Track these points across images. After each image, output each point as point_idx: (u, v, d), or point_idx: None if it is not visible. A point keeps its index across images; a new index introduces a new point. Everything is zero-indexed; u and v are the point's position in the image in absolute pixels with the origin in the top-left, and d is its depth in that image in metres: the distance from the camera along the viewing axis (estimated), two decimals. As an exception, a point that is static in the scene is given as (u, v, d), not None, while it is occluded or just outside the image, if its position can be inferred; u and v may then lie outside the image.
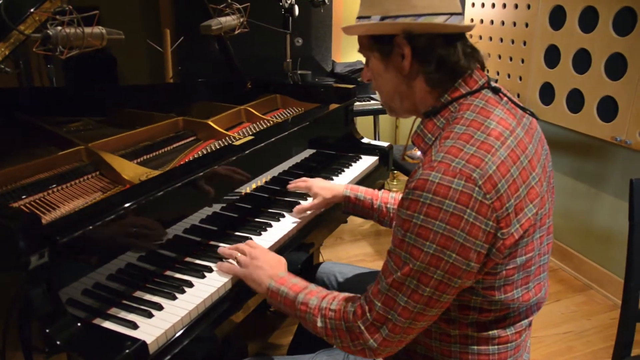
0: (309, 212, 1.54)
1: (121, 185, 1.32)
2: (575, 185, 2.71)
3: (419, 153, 1.20)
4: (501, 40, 2.98)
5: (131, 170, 1.35)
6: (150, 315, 1.06)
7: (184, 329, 1.06)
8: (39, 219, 0.92)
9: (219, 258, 1.29)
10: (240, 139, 1.55)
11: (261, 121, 1.88)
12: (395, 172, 3.66)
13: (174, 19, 2.36)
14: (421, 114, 1.08)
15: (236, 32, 1.85)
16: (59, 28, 1.23)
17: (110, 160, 1.39)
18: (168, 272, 1.24)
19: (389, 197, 1.49)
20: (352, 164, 2.00)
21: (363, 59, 1.20)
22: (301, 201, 1.60)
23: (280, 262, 1.24)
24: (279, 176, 1.69)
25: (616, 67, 2.32)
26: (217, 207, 1.40)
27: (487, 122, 0.96)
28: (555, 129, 2.76)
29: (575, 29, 2.49)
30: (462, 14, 1.04)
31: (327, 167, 1.97)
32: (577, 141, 2.65)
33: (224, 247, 1.31)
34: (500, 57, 3.01)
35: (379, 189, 1.55)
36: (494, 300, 1.01)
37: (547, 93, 2.73)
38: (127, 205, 1.11)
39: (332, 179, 1.84)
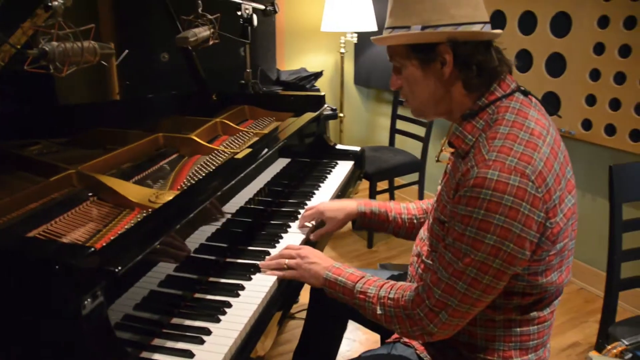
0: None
1: (129, 208, 1.24)
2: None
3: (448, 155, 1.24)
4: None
5: (136, 192, 1.27)
6: (201, 342, 1.00)
7: (238, 348, 1.01)
8: (91, 249, 0.84)
9: (243, 274, 1.25)
10: (231, 152, 1.50)
11: (238, 133, 1.84)
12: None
13: (116, 31, 2.23)
14: (453, 117, 1.14)
15: (210, 43, 1.79)
16: (55, 43, 1.13)
17: (111, 183, 1.29)
18: (197, 295, 1.17)
19: (401, 207, 1.53)
20: (332, 169, 2.01)
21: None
22: (300, 210, 1.60)
23: (326, 256, 1.30)
24: (266, 187, 1.65)
25: (556, 65, 2.53)
26: (226, 224, 1.35)
27: (527, 122, 1.03)
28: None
29: (515, 31, 2.67)
30: (490, 22, 1.10)
31: (309, 174, 1.96)
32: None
33: (264, 262, 1.31)
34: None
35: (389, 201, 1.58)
36: (536, 285, 1.08)
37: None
38: (172, 227, 1.04)
39: (319, 186, 1.84)
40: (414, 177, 3.24)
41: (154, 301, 1.07)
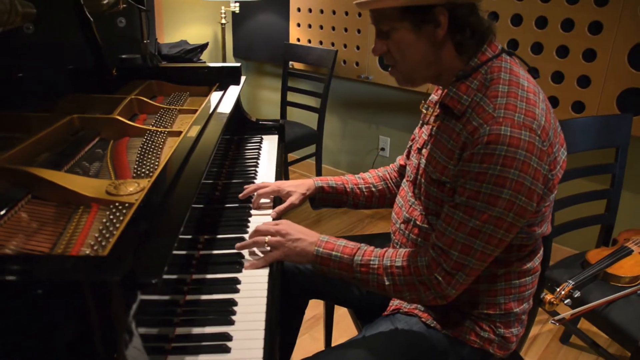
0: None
1: (83, 205, 1.01)
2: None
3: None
4: (334, 12, 3.09)
5: (85, 185, 1.04)
6: (227, 349, 0.85)
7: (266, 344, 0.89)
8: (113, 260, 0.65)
9: (227, 263, 1.10)
10: (168, 132, 1.31)
11: (160, 111, 1.63)
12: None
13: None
14: (442, 80, 1.13)
15: (120, 7, 1.53)
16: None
17: (50, 176, 1.04)
18: (190, 297, 1.01)
19: (357, 178, 1.49)
20: (261, 144, 1.88)
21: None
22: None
23: (308, 229, 1.21)
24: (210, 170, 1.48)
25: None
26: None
27: (520, 80, 1.05)
28: (396, 92, 3.01)
29: None
30: None
31: (240, 152, 1.81)
32: (418, 100, 2.93)
33: (240, 243, 1.17)
34: (334, 28, 3.12)
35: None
36: (533, 235, 1.12)
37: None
38: (183, 222, 0.87)
39: (257, 162, 1.70)
40: (310, 150, 3.20)
41: (145, 312, 0.88)
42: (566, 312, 1.46)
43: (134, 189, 1.05)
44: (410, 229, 1.21)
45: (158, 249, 0.79)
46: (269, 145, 1.89)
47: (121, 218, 0.94)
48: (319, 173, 3.23)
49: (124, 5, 1.60)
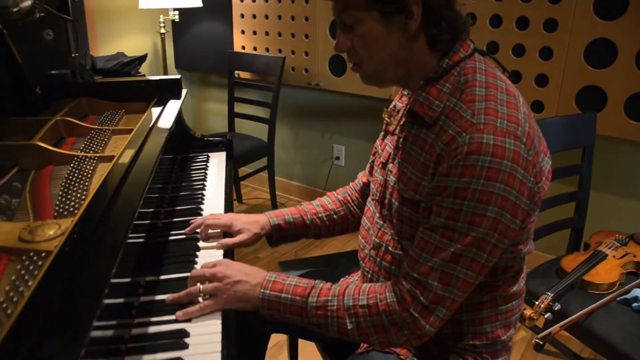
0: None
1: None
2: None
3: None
4: (279, 17, 2.94)
5: (-5, 230, 0.86)
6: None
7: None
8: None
9: (173, 312, 0.94)
10: (98, 157, 1.14)
11: (90, 133, 1.44)
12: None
13: None
14: (411, 83, 1.00)
15: (37, 16, 1.34)
16: None
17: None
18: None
19: (315, 206, 1.33)
20: (207, 164, 1.71)
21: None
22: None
23: (253, 266, 1.05)
24: (149, 195, 1.31)
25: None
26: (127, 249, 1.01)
27: (498, 82, 0.94)
28: (349, 98, 2.90)
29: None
30: None
31: (183, 173, 1.64)
32: (373, 106, 2.82)
33: (172, 295, 0.98)
34: (280, 34, 2.97)
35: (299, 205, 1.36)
36: (518, 255, 1.01)
37: (338, 65, 2.83)
38: (113, 269, 0.70)
39: (204, 186, 1.53)
40: (262, 163, 3.04)
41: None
42: (549, 328, 1.36)
43: (53, 233, 0.87)
44: (381, 256, 1.07)
45: (77, 321, 0.62)
46: (217, 164, 1.73)
47: (35, 272, 0.76)
48: (272, 186, 3.07)
49: (41, 14, 1.40)
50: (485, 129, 0.86)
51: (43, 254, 0.80)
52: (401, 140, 1.05)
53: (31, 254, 0.81)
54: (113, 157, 1.19)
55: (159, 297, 0.99)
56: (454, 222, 0.88)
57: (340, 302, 0.96)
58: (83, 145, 1.34)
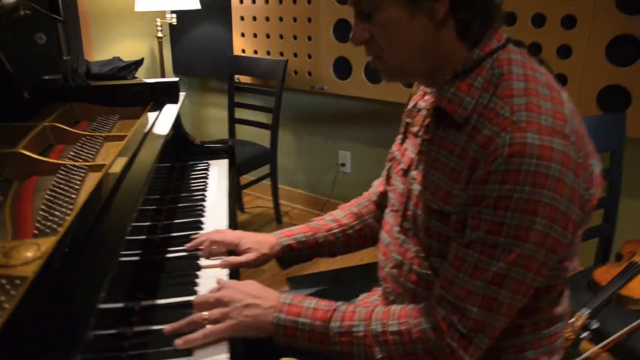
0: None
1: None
2: (381, 153, 2.78)
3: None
4: (280, 19, 2.83)
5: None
6: None
7: None
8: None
9: (171, 344, 0.81)
10: (88, 166, 1.02)
11: (81, 139, 1.32)
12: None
13: None
14: (438, 77, 0.88)
15: (22, 13, 1.23)
16: None
17: None
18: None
19: (327, 221, 1.21)
20: (207, 172, 1.59)
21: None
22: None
23: (263, 287, 0.95)
24: (145, 207, 1.19)
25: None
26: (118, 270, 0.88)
27: (538, 75, 0.83)
28: (354, 102, 2.78)
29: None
30: None
31: (182, 183, 1.52)
32: (380, 110, 2.71)
33: (171, 325, 0.86)
34: (282, 36, 2.86)
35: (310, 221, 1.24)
36: (563, 273, 0.89)
37: (342, 67, 2.71)
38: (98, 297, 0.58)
39: (204, 197, 1.41)
40: (264, 170, 2.92)
41: None
42: (590, 350, 1.23)
43: (32, 255, 0.75)
44: (405, 276, 0.95)
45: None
46: (218, 172, 1.61)
47: (6, 305, 0.64)
48: (275, 194, 2.95)
49: (27, 12, 1.29)
50: (528, 127, 0.75)
51: (17, 281, 0.68)
52: (425, 143, 0.93)
53: (3, 281, 0.69)
54: (104, 166, 1.07)
55: (156, 327, 0.86)
56: (495, 237, 0.77)
57: (367, 328, 0.86)
58: (72, 154, 1.23)
